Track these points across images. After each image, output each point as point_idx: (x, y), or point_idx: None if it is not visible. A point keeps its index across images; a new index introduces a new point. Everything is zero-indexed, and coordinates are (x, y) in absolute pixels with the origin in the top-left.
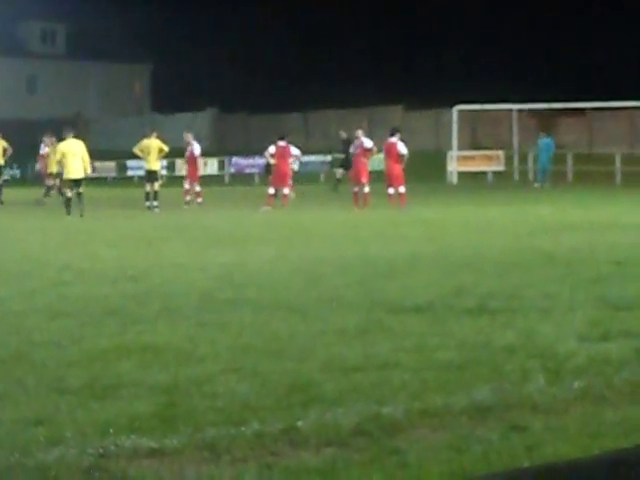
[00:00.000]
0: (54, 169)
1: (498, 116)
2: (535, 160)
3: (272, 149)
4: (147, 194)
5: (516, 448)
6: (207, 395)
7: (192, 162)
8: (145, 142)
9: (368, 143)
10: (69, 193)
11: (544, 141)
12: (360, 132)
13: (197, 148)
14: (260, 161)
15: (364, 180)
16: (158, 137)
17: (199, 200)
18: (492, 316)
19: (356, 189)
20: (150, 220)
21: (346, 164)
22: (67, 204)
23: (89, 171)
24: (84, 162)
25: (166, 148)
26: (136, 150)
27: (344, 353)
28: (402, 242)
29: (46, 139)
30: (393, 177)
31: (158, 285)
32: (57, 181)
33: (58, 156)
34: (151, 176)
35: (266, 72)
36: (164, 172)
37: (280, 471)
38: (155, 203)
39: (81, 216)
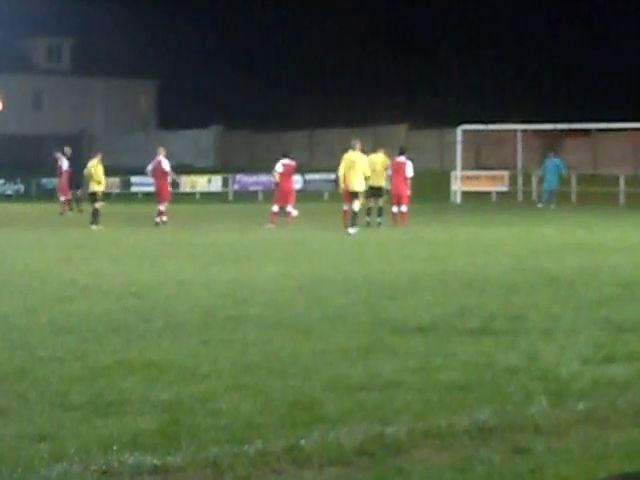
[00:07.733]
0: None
1: (502, 136)
2: (541, 180)
3: (280, 167)
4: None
5: (519, 470)
6: (210, 413)
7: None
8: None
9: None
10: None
11: (552, 161)
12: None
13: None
14: (264, 179)
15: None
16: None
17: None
18: (495, 337)
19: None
20: (154, 236)
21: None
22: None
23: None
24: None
25: None
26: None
27: (347, 372)
28: (405, 262)
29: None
30: (401, 196)
31: (161, 302)
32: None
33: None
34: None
35: (271, 90)
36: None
37: None
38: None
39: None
